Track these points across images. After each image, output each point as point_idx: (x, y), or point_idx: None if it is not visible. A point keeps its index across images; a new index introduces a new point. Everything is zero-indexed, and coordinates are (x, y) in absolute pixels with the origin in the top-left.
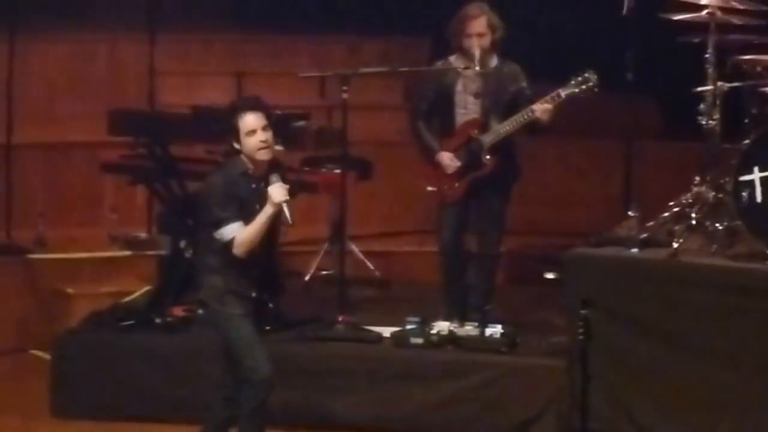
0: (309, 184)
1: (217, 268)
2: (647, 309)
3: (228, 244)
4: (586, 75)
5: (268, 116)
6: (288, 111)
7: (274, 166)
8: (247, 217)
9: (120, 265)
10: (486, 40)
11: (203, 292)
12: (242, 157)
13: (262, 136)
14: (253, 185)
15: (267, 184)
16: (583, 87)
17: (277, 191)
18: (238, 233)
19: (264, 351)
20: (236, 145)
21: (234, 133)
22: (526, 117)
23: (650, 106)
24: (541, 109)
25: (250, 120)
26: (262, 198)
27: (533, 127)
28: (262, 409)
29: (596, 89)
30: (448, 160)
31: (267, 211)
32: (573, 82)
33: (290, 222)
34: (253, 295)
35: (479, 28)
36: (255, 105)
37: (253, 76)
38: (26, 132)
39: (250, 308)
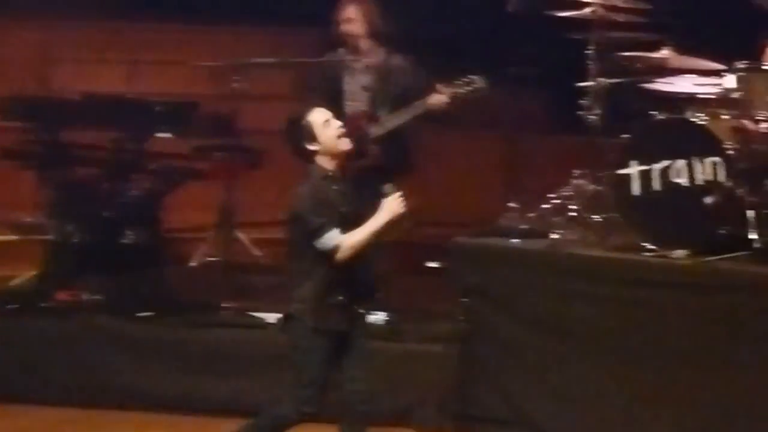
0: (198, 172)
1: (313, 279)
2: (528, 298)
3: (331, 252)
4: (473, 77)
5: None
6: (178, 99)
7: (352, 169)
8: (334, 222)
9: (7, 250)
10: (356, 26)
11: (294, 305)
12: (318, 160)
13: (337, 123)
14: (335, 187)
15: (345, 185)
16: (468, 89)
17: (396, 204)
18: (342, 240)
19: (321, 392)
20: (312, 147)
21: (307, 134)
22: (416, 110)
23: (534, 100)
24: (436, 99)
25: (321, 111)
26: (347, 200)
27: (432, 117)
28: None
29: (482, 92)
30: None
31: (379, 219)
32: (460, 82)
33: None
34: (347, 303)
35: (349, 13)
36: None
37: (146, 65)
38: None
39: (344, 320)
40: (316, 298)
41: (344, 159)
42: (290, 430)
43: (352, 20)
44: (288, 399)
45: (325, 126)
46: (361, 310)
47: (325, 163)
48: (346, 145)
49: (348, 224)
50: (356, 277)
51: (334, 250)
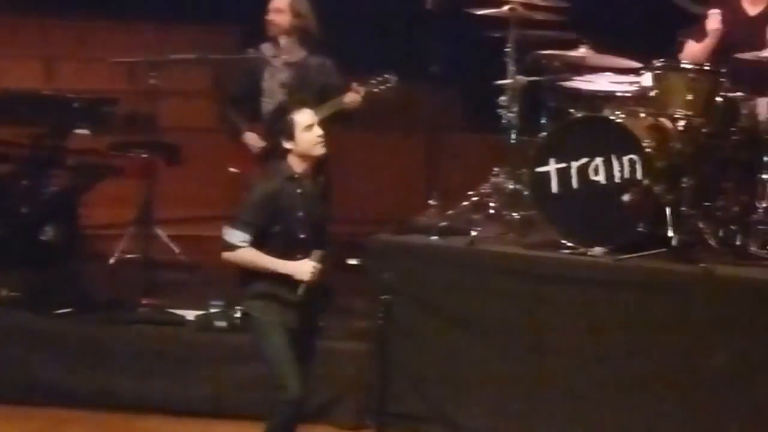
0: (116, 168)
1: (261, 275)
2: (447, 294)
3: (224, 245)
4: (387, 76)
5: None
6: (97, 96)
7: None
8: (288, 225)
9: None
10: (284, 18)
11: (245, 300)
12: (289, 159)
13: (318, 131)
14: (299, 190)
15: (309, 187)
16: (382, 87)
17: (306, 270)
18: (246, 250)
19: (294, 368)
20: (288, 144)
21: (287, 130)
22: (332, 108)
23: (453, 98)
24: (351, 98)
25: (308, 115)
26: (308, 204)
27: (344, 118)
28: (289, 428)
29: (396, 91)
30: (254, 140)
31: (283, 268)
32: (373, 81)
33: (297, 294)
34: (295, 299)
35: (277, 4)
36: (306, 102)
37: (63, 61)
38: None
39: (292, 316)
40: (264, 294)
41: (314, 163)
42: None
43: (281, 11)
44: (277, 399)
45: (306, 129)
46: (315, 311)
47: (295, 164)
48: (321, 150)
49: (305, 228)
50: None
51: (228, 246)
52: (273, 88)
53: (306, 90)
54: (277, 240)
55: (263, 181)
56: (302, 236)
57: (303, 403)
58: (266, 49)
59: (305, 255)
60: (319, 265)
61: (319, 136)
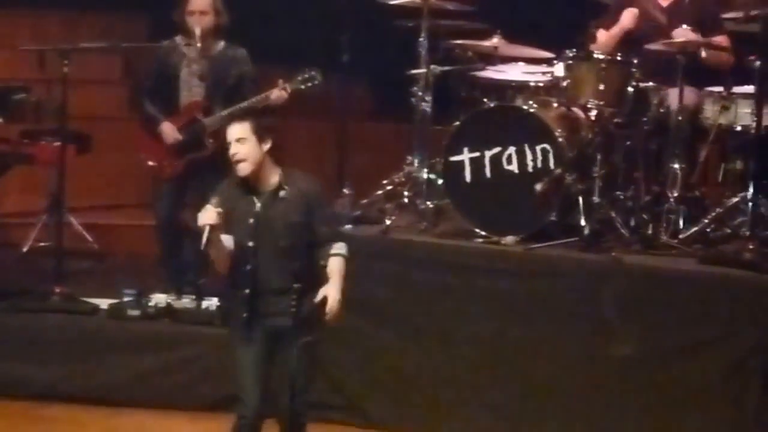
0: (27, 156)
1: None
2: (359, 285)
3: None
4: (312, 74)
5: (254, 124)
6: (7, 84)
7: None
8: (240, 235)
9: None
10: (208, 20)
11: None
12: None
13: (233, 149)
14: (248, 197)
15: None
16: (308, 84)
17: (203, 214)
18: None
19: (253, 383)
20: None
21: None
22: (257, 101)
23: (364, 87)
24: (277, 95)
25: (234, 129)
26: (254, 213)
27: (267, 113)
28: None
29: (319, 86)
30: (169, 130)
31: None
32: (299, 78)
33: (201, 246)
34: (245, 315)
35: (201, 5)
36: (244, 115)
37: None
38: None
39: (252, 331)
40: (232, 303)
41: (249, 178)
42: None
43: (206, 13)
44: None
45: (229, 146)
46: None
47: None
48: (240, 171)
49: (253, 236)
50: (270, 279)
51: None
52: (191, 80)
53: (223, 82)
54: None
55: (226, 180)
56: (250, 244)
57: (258, 421)
58: (181, 40)
59: (256, 264)
60: (218, 210)
61: (233, 155)
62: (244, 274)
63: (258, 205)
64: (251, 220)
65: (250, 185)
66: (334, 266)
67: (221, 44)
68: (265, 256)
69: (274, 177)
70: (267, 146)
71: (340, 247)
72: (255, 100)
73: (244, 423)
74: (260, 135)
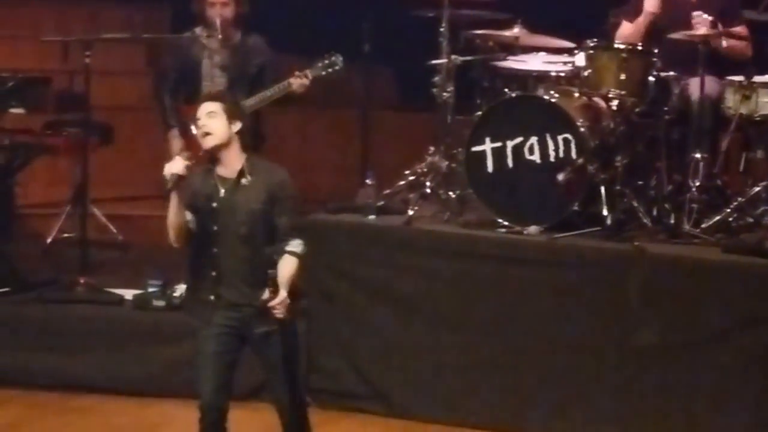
0: (50, 147)
1: (187, 271)
2: (383, 274)
3: None
4: (333, 59)
5: (227, 104)
6: (31, 75)
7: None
8: (204, 219)
9: None
10: (228, 11)
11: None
12: None
13: (202, 122)
14: (212, 182)
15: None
16: (330, 70)
17: (172, 163)
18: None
19: (211, 376)
20: None
21: None
22: (278, 92)
23: (386, 77)
24: (299, 83)
25: (205, 106)
26: (224, 203)
27: (285, 100)
28: None
29: (341, 71)
30: (175, 144)
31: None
32: (320, 65)
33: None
34: (211, 298)
35: None
36: (214, 95)
37: None
38: None
39: (214, 316)
40: (195, 294)
41: (215, 155)
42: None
43: (227, 4)
44: None
45: (198, 120)
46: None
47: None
48: (205, 143)
49: (216, 221)
50: (227, 271)
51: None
52: (212, 70)
53: (246, 72)
54: (197, 228)
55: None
56: (214, 228)
57: (212, 413)
58: (202, 31)
59: (221, 250)
60: (188, 162)
61: (201, 127)
62: (209, 258)
63: (222, 190)
64: (214, 204)
65: (217, 170)
66: (284, 266)
67: (241, 34)
68: (228, 242)
69: (238, 164)
70: (236, 128)
71: (295, 245)
72: (277, 88)
73: (201, 413)
74: (231, 114)
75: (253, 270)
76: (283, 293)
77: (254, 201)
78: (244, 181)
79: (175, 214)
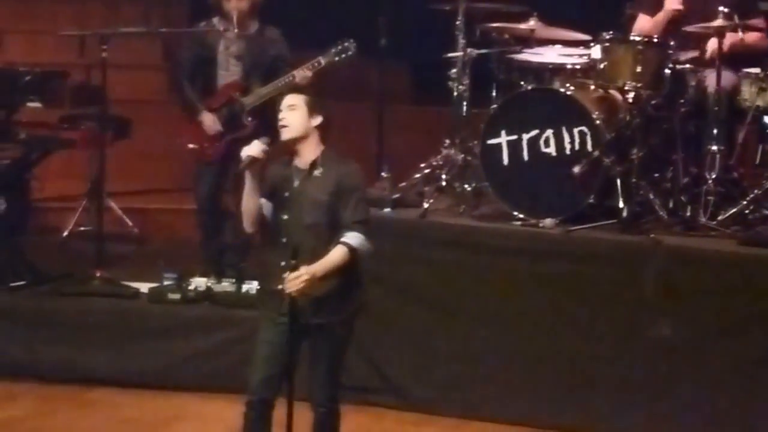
0: (67, 141)
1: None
2: (398, 267)
3: None
4: (346, 44)
5: (309, 96)
6: (48, 69)
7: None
8: (277, 207)
9: None
10: (245, 4)
11: None
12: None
13: (282, 114)
14: (287, 172)
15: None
16: (343, 56)
17: (250, 146)
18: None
19: (262, 368)
20: None
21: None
22: (285, 81)
23: (401, 71)
24: (301, 75)
25: (285, 99)
26: (295, 193)
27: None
28: (250, 428)
29: (353, 57)
30: (210, 121)
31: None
32: (333, 51)
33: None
34: (279, 287)
35: None
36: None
37: (13, 34)
38: None
39: (282, 307)
40: (264, 284)
41: (291, 147)
42: None
43: None
44: None
45: (281, 112)
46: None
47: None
48: (284, 134)
49: (288, 210)
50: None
51: None
52: (228, 60)
53: (261, 62)
54: (271, 219)
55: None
56: (284, 217)
57: (258, 405)
58: (218, 22)
59: (289, 239)
60: (265, 147)
61: (281, 119)
62: (279, 249)
63: (296, 181)
64: (287, 194)
65: (295, 161)
66: (331, 253)
67: (257, 25)
68: (296, 232)
69: (314, 156)
70: (316, 122)
71: (352, 237)
72: (281, 79)
73: (247, 407)
74: (312, 108)
75: (315, 261)
76: (302, 270)
77: (322, 192)
78: (316, 172)
79: (248, 199)
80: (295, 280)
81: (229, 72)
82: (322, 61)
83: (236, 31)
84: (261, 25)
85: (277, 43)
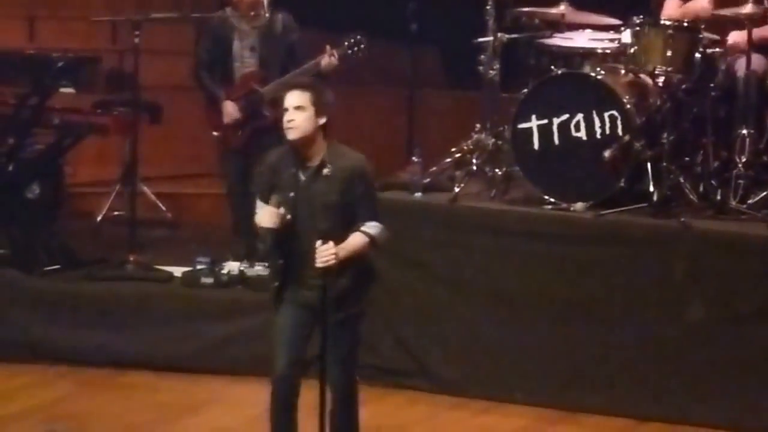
0: (100, 127)
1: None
2: (430, 251)
3: None
4: (358, 38)
5: (316, 95)
6: (81, 55)
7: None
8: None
9: None
10: None
11: None
12: None
13: (289, 115)
14: (293, 170)
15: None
16: (355, 49)
17: (264, 215)
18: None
19: (285, 349)
20: None
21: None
22: (308, 71)
23: (432, 56)
24: (327, 62)
25: (292, 97)
26: (302, 193)
27: (321, 76)
28: (277, 408)
29: (366, 51)
30: (230, 109)
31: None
32: (346, 44)
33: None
34: (282, 281)
35: None
36: (303, 84)
37: (45, 20)
38: None
39: (301, 294)
40: (282, 269)
41: (297, 146)
42: None
43: None
44: None
45: (285, 111)
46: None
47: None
48: (290, 135)
49: (294, 209)
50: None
51: None
52: (242, 51)
53: (276, 51)
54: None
55: (278, 149)
56: (288, 217)
57: (285, 387)
58: (231, 12)
59: (300, 234)
60: (281, 211)
61: (288, 121)
62: (285, 243)
63: (302, 179)
64: (292, 194)
65: (299, 157)
66: (351, 238)
67: (269, 12)
68: (306, 229)
69: (321, 153)
70: (322, 121)
71: (370, 226)
72: (306, 67)
73: (274, 386)
74: (318, 108)
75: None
76: (331, 244)
77: (333, 192)
78: (325, 171)
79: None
80: (326, 252)
81: (243, 63)
82: (336, 53)
83: (250, 23)
84: (273, 13)
85: (290, 31)
